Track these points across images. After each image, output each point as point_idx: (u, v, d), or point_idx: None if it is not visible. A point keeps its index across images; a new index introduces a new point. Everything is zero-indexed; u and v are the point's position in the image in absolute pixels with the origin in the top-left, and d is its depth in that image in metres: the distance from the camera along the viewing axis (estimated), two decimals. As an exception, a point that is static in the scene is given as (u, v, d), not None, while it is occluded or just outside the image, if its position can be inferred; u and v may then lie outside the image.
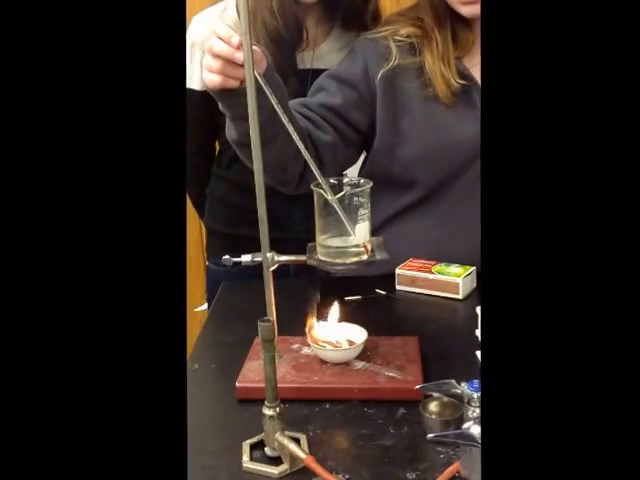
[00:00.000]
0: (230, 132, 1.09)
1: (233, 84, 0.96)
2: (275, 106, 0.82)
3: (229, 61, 0.93)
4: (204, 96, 1.35)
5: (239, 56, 0.89)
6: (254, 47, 0.92)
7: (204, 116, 1.39)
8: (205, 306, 1.59)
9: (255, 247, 0.81)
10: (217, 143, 1.50)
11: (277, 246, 0.80)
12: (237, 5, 1.37)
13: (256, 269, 0.81)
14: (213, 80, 0.97)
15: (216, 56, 0.94)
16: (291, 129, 0.83)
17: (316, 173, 0.81)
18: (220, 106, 1.04)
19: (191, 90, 1.36)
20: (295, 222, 1.31)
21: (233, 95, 0.97)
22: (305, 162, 0.90)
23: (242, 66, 0.83)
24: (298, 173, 1.16)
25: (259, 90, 0.81)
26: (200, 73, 1.34)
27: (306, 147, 0.83)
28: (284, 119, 0.83)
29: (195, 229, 1.60)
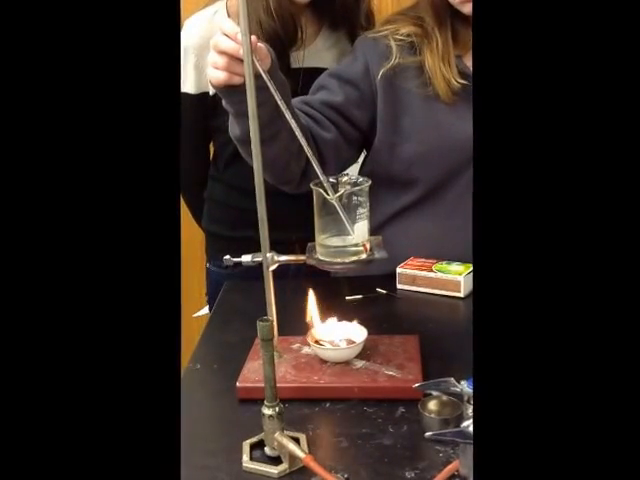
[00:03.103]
0: (233, 130, 1.10)
1: (238, 81, 0.96)
2: (279, 103, 0.82)
3: (234, 58, 0.93)
4: (198, 99, 1.36)
5: None
6: (259, 44, 0.92)
7: (198, 119, 1.39)
8: (205, 310, 1.59)
9: (254, 249, 0.81)
10: (212, 146, 1.50)
11: (275, 247, 0.80)
12: (227, 6, 1.38)
13: (256, 272, 0.81)
14: (218, 77, 0.97)
15: (221, 53, 0.94)
16: (294, 126, 0.83)
17: (317, 170, 0.81)
18: (224, 103, 1.05)
19: (185, 94, 1.36)
20: (288, 223, 1.31)
21: (238, 92, 0.97)
22: (307, 160, 0.90)
23: None
24: (300, 171, 1.16)
25: (262, 87, 0.81)
26: (194, 76, 1.35)
27: (308, 145, 0.83)
28: (288, 116, 0.84)
29: (199, 231, 1.61)
